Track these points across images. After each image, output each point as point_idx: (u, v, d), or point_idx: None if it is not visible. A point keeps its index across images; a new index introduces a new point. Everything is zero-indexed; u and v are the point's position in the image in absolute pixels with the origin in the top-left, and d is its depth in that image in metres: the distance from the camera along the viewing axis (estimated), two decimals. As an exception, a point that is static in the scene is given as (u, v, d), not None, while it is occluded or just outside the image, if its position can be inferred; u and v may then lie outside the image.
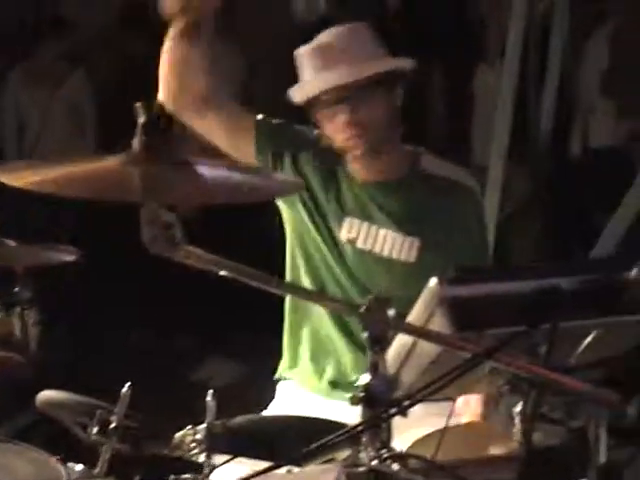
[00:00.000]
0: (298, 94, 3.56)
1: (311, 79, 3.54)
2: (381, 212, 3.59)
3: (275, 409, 3.63)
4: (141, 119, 2.44)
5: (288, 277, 3.68)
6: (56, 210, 7.17)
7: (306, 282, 3.62)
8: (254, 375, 3.86)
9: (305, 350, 3.69)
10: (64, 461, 3.09)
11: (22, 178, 2.58)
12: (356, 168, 3.62)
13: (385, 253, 3.57)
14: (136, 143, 2.45)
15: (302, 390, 3.66)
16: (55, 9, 8.50)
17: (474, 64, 6.58)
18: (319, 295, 3.19)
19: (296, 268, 3.67)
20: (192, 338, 7.02)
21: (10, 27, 7.65)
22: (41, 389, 3.34)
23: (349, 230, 3.59)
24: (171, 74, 3.63)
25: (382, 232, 3.57)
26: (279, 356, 3.78)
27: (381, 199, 3.60)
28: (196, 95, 3.62)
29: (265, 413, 3.56)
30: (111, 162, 2.50)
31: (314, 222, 3.62)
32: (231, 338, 6.82)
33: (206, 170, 2.59)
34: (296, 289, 3.31)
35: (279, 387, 3.76)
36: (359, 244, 3.59)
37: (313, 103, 3.54)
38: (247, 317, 6.23)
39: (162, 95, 3.62)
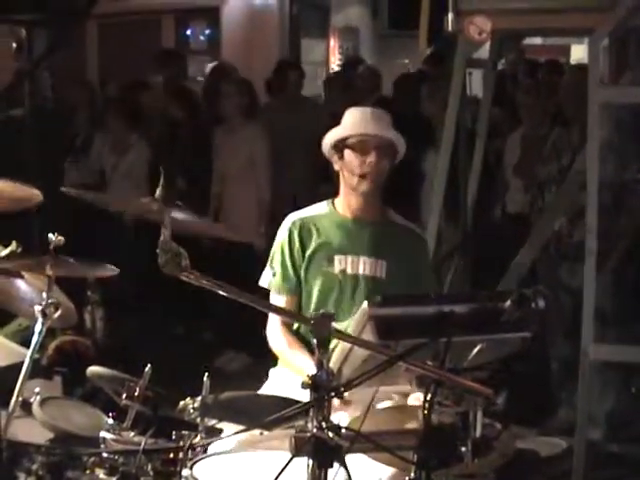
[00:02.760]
0: (339, 131, 3.58)
1: (356, 123, 3.58)
2: (357, 242, 3.62)
3: (265, 389, 3.57)
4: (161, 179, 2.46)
5: None
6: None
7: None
8: (260, 364, 3.81)
9: None
10: (115, 418, 3.08)
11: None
12: (346, 204, 3.64)
13: (366, 273, 3.59)
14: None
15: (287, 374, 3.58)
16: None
17: (426, 149, 6.58)
18: (281, 310, 3.15)
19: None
20: (215, 334, 6.95)
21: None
22: (101, 365, 3.30)
23: (339, 262, 3.60)
24: None
25: (362, 258, 3.59)
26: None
27: (357, 232, 3.63)
28: None
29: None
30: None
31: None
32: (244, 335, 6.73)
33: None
34: (266, 305, 3.20)
35: (271, 372, 3.72)
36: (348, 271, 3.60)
37: (344, 140, 3.57)
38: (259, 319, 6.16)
39: None
